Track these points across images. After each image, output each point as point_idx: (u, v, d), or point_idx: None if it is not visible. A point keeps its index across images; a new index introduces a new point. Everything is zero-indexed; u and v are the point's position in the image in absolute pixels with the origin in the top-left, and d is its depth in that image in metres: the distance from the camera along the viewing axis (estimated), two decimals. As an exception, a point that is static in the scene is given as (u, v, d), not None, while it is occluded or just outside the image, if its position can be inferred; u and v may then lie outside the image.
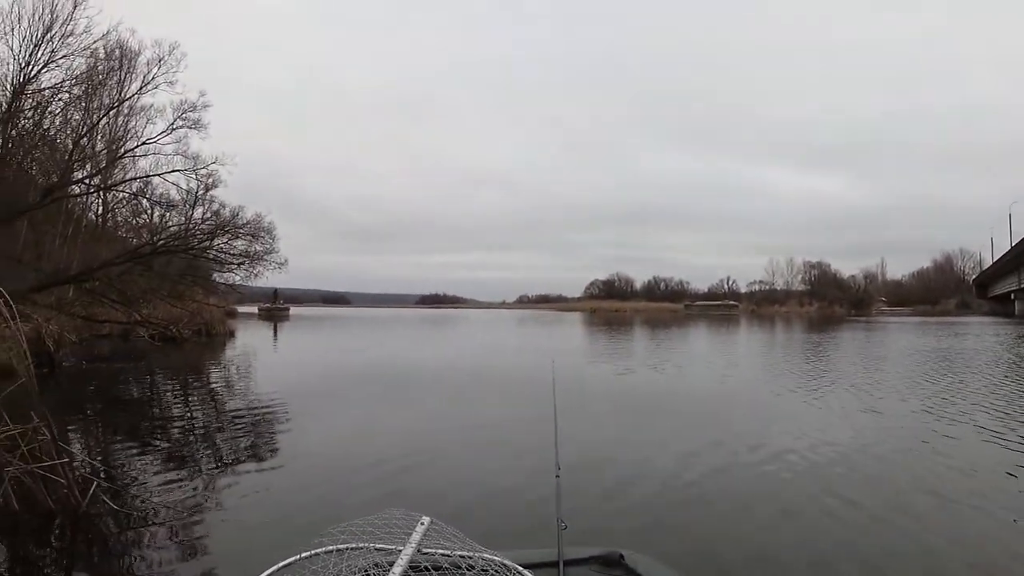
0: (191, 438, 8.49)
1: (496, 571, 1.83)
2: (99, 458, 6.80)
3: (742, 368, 18.38)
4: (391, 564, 1.79)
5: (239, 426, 9.20)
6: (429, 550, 1.91)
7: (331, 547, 1.92)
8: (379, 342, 31.13)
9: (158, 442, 8.12)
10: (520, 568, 1.87)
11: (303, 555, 1.91)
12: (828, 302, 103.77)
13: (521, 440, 7.90)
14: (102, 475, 5.87)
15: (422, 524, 1.99)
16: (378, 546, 1.93)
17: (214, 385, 14.50)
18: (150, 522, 4.97)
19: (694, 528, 5.08)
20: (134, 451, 7.49)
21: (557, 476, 2.75)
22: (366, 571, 1.82)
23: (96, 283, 20.95)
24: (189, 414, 10.63)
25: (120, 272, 21.23)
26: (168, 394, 12.99)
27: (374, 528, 1.99)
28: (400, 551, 1.85)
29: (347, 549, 1.91)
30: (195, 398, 12.52)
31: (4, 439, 4.93)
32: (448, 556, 1.89)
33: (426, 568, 1.82)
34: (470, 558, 1.89)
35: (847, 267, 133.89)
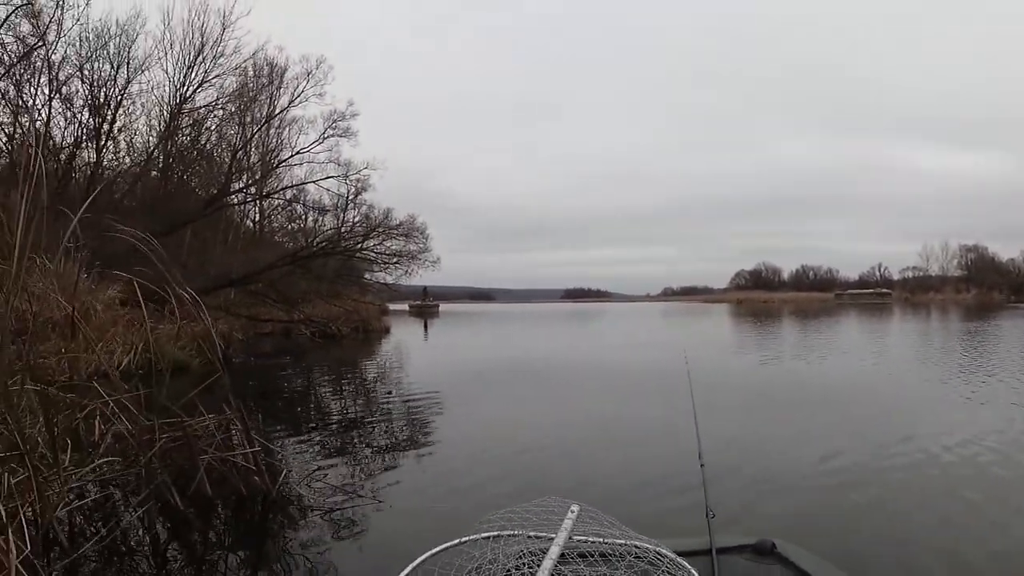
0: (353, 427, 8.79)
1: (650, 559, 1.80)
2: (276, 446, 7.06)
3: (893, 359, 17.09)
4: (544, 551, 1.81)
5: (395, 417, 9.48)
6: (581, 537, 1.92)
7: (487, 534, 1.95)
8: (525, 336, 31.17)
9: (323, 431, 8.47)
10: (675, 556, 1.83)
11: (463, 540, 1.95)
12: (986, 288, 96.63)
13: (664, 431, 7.73)
14: (281, 461, 6.16)
15: (572, 512, 2.00)
16: (531, 534, 1.95)
17: (371, 378, 14.94)
18: (325, 507, 5.13)
19: (840, 522, 4.76)
20: (302, 440, 7.74)
21: (701, 465, 2.75)
22: (520, 557, 1.83)
23: (259, 285, 21.68)
24: (348, 405, 11.02)
25: (281, 274, 21.95)
26: (329, 387, 13.48)
27: (528, 515, 2.03)
28: (552, 538, 1.87)
29: (503, 536, 1.94)
30: (353, 390, 12.95)
31: (200, 428, 5.24)
32: (600, 543, 1.88)
33: (580, 555, 1.82)
34: (622, 545, 1.88)
35: (1006, 250, 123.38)
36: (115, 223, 5.97)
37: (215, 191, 24.89)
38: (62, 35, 20.15)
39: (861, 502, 5.19)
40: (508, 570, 1.81)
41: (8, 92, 19.74)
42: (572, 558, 1.81)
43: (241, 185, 26.93)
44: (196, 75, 23.42)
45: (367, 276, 27.89)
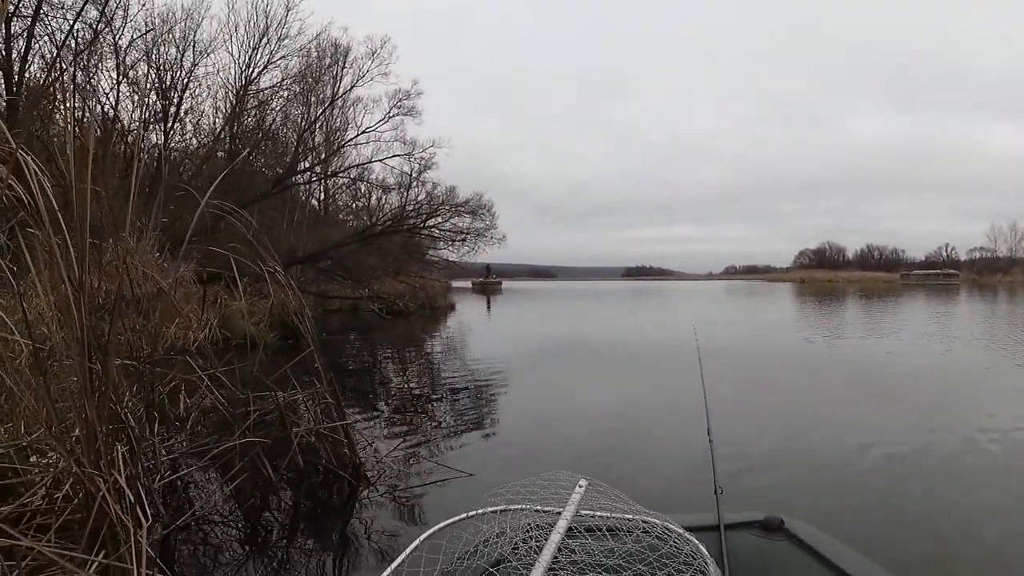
0: (424, 401, 8.96)
1: (657, 533, 1.78)
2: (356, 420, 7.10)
3: (952, 342, 15.99)
4: (551, 525, 1.82)
5: (462, 392, 9.50)
6: (588, 511, 1.92)
7: (495, 507, 1.95)
8: (584, 314, 30.91)
9: (396, 405, 8.65)
10: (683, 531, 1.80)
11: (471, 513, 1.95)
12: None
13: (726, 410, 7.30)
14: (364, 434, 6.10)
15: (581, 486, 2.02)
16: (539, 508, 1.94)
17: (439, 354, 15.11)
18: (410, 479, 5.17)
19: (857, 502, 4.65)
20: (376, 413, 7.88)
21: (710, 441, 2.77)
22: (528, 531, 1.83)
23: (328, 262, 21.90)
24: (417, 380, 11.24)
25: (349, 252, 22.14)
26: (398, 363, 13.67)
27: (537, 488, 2.02)
28: (560, 512, 1.87)
29: (511, 510, 1.95)
30: (421, 366, 13.11)
31: (293, 402, 5.34)
32: (608, 517, 1.89)
33: (587, 529, 1.83)
34: (630, 520, 1.87)
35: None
36: (198, 198, 5.91)
37: (281, 171, 25.18)
38: (128, 20, 20.43)
39: (884, 486, 5.05)
40: (515, 543, 1.82)
41: (77, 77, 20.13)
42: (579, 532, 1.82)
43: (307, 165, 27.21)
44: (261, 57, 23.68)
45: (431, 253, 28.09)
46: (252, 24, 23.52)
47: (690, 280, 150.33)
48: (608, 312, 32.30)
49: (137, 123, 21.98)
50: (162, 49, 21.74)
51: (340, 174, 29.23)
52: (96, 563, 2.47)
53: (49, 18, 17.34)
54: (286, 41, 23.91)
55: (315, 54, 25.67)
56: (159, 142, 22.67)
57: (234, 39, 23.54)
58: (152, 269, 6.19)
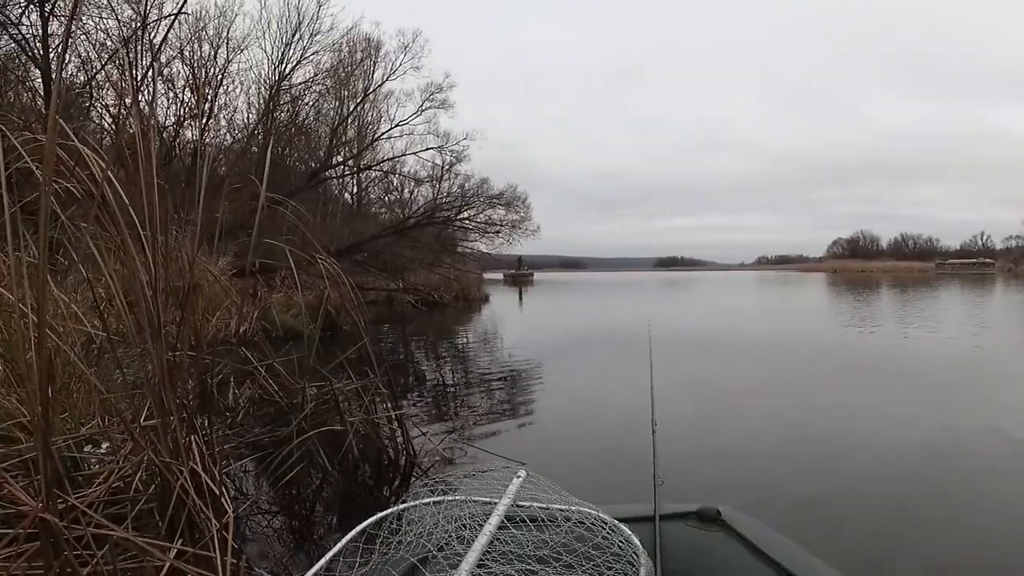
0: (459, 388, 9.16)
1: (591, 524, 1.80)
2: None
3: (983, 334, 15.18)
4: (487, 515, 1.81)
5: (496, 379, 9.67)
6: (525, 502, 1.92)
7: (428, 499, 1.95)
8: (614, 305, 30.57)
9: (439, 395, 8.72)
10: (615, 522, 1.81)
11: (401, 507, 1.94)
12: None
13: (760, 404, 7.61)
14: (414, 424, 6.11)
15: (519, 476, 2.02)
16: (475, 498, 1.94)
17: (475, 343, 15.46)
18: (460, 469, 5.10)
19: (806, 493, 4.55)
20: (420, 403, 7.91)
21: (653, 431, 2.77)
22: (463, 522, 1.82)
23: (363, 255, 22.06)
24: (454, 368, 11.40)
25: (385, 244, 22.30)
26: (435, 352, 13.90)
27: (473, 480, 2.06)
28: (496, 503, 1.87)
29: (445, 501, 1.93)
30: (457, 355, 13.27)
31: (350, 392, 5.35)
32: (544, 508, 1.89)
33: (521, 520, 1.82)
34: (566, 511, 1.87)
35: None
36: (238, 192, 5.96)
37: (316, 165, 25.38)
38: (162, 18, 20.66)
39: (839, 478, 4.92)
40: (450, 533, 1.82)
41: (112, 75, 20.42)
42: (514, 522, 1.83)
43: (341, 159, 27.40)
44: (294, 53, 23.90)
45: (464, 245, 28.22)
46: (285, 20, 23.78)
47: (721, 271, 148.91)
48: (636, 303, 31.74)
49: (172, 120, 22.31)
50: (196, 46, 22.03)
51: (374, 167, 29.42)
52: (176, 551, 2.52)
53: (85, 18, 17.61)
54: (318, 37, 24.17)
55: (346, 49, 25.86)
56: (194, 138, 22.98)
57: (267, 35, 23.85)
58: (205, 262, 6.27)
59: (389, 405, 5.33)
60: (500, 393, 8.59)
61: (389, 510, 1.94)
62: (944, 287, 43.17)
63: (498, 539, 1.76)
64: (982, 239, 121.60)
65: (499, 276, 67.30)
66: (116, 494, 3.05)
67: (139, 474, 2.94)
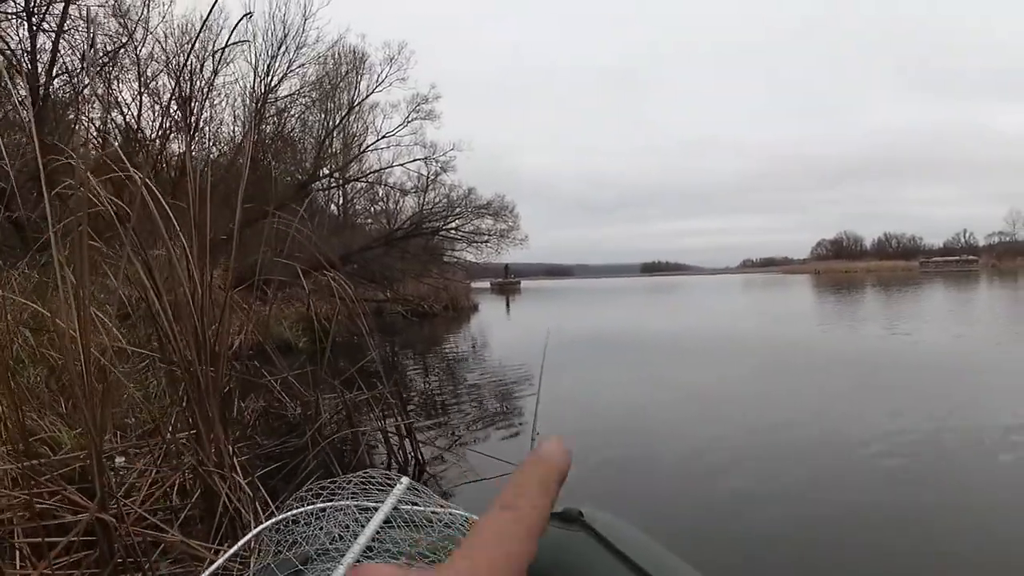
0: (458, 398, 9.26)
1: (460, 524, 1.76)
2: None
3: (958, 330, 15.68)
4: (368, 520, 1.78)
5: (491, 388, 9.76)
6: (404, 507, 1.85)
7: (314, 505, 1.84)
8: (597, 313, 30.74)
9: (438, 402, 8.87)
10: None
11: (290, 512, 1.82)
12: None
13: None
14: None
15: (401, 483, 1.90)
16: (357, 503, 1.88)
17: (468, 352, 15.65)
18: (463, 473, 5.28)
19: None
20: (422, 412, 8.07)
21: (533, 438, 2.98)
22: (346, 526, 1.78)
23: (353, 266, 22.11)
24: (450, 378, 11.53)
25: (375, 255, 22.35)
26: (428, 362, 13.97)
27: (352, 487, 1.91)
28: (378, 506, 1.83)
29: (329, 508, 1.84)
30: (452, 365, 13.40)
31: (360, 403, 5.54)
32: (420, 511, 1.83)
33: (400, 523, 1.78)
34: (439, 513, 1.84)
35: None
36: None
37: (303, 178, 25.41)
38: (149, 32, 20.68)
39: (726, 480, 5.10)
40: (333, 537, 1.80)
41: (98, 88, 20.39)
42: (394, 525, 1.82)
43: (327, 171, 27.44)
44: (279, 65, 23.91)
45: (452, 255, 28.31)
46: (270, 33, 23.80)
47: (706, 275, 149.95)
48: (620, 311, 32.14)
49: (158, 133, 22.28)
50: (181, 59, 22.03)
51: (361, 179, 29.49)
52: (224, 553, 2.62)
53: (71, 32, 17.62)
54: (304, 49, 24.22)
55: (332, 62, 25.94)
56: (180, 151, 22.94)
57: (252, 47, 23.82)
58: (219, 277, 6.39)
59: (398, 415, 5.44)
60: (499, 400, 8.77)
61: (277, 518, 1.87)
62: (928, 285, 43.76)
63: (377, 539, 1.77)
64: (965, 236, 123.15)
65: (486, 284, 67.20)
66: (145, 501, 3.16)
67: (173, 483, 3.05)
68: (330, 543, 1.85)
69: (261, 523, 3.02)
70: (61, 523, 2.47)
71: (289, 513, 2.06)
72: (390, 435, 5.35)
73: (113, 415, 4.03)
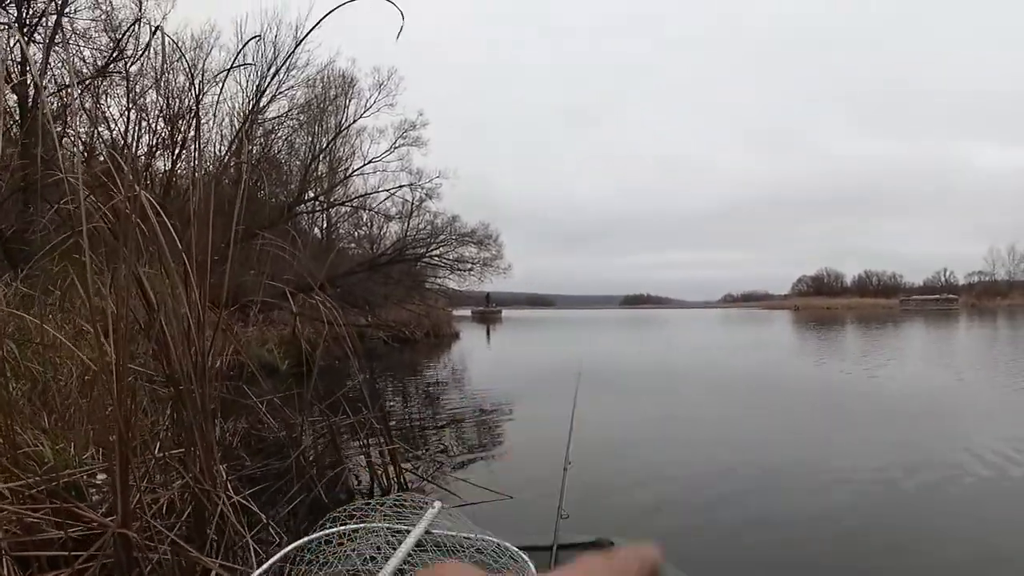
0: (441, 423, 9.31)
1: (493, 551, 1.94)
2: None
3: (945, 369, 15.73)
4: (400, 542, 1.93)
5: (474, 414, 9.87)
6: (436, 531, 2.04)
7: (348, 526, 2.05)
8: (578, 344, 30.49)
9: (419, 427, 8.96)
10: (516, 549, 1.96)
11: (329, 531, 2.02)
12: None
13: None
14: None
15: (433, 508, 2.14)
16: (389, 526, 2.06)
17: (445, 378, 15.96)
18: (447, 499, 5.02)
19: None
20: (406, 436, 7.98)
21: (565, 469, 2.99)
22: (378, 547, 1.94)
23: (338, 289, 22.05)
24: (434, 404, 11.55)
25: (358, 279, 22.31)
26: (404, 387, 14.13)
27: (387, 510, 2.15)
28: (408, 531, 1.99)
29: (361, 529, 2.04)
30: (424, 390, 13.61)
31: (345, 428, 5.61)
32: (452, 536, 2.01)
33: (431, 546, 1.96)
34: (471, 538, 2.00)
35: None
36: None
37: (289, 200, 25.40)
38: (139, 48, 20.72)
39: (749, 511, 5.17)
40: (365, 559, 1.95)
41: (87, 103, 20.36)
42: (424, 550, 1.97)
43: (313, 195, 27.44)
44: (268, 87, 23.96)
45: (435, 282, 28.30)
46: (260, 54, 23.88)
47: (687, 308, 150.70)
48: (599, 341, 32.28)
49: (145, 150, 22.21)
50: (171, 77, 22.04)
51: (346, 203, 29.51)
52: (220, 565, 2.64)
53: (61, 47, 17.63)
54: (293, 72, 24.27)
55: (321, 86, 26.05)
56: (166, 168, 22.86)
57: (244, 69, 23.88)
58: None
59: (383, 440, 5.44)
60: (482, 427, 8.87)
61: (303, 540, 2.04)
62: (921, 323, 44.16)
63: (408, 563, 1.91)
64: (945, 275, 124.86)
65: (467, 312, 66.81)
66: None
67: (161, 501, 3.05)
68: (362, 564, 1.95)
69: (251, 542, 3.06)
70: (50, 538, 2.47)
71: (322, 533, 2.08)
72: (372, 460, 5.36)
73: (95, 432, 4.01)
